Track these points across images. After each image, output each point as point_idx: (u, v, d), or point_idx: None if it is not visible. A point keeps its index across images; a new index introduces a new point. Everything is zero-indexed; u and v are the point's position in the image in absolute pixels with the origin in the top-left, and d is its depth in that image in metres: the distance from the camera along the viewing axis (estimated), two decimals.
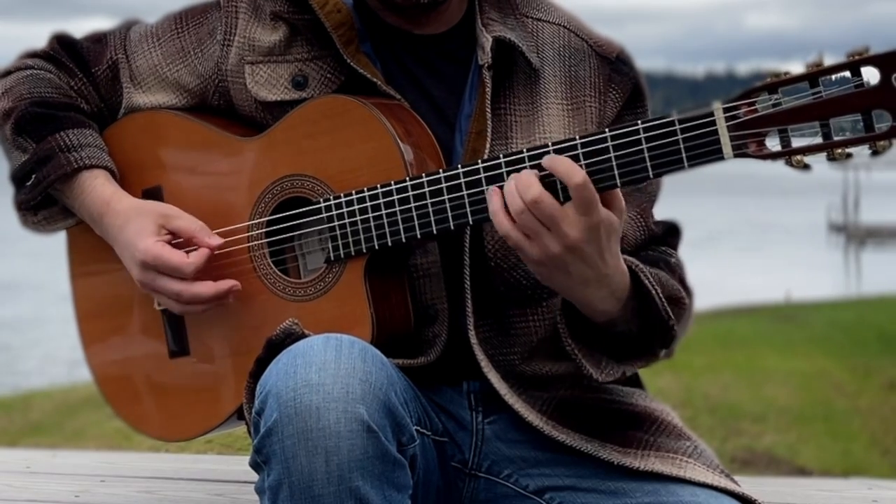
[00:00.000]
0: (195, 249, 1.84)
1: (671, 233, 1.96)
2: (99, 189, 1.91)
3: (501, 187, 1.69)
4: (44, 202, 1.95)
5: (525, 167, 1.69)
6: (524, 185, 1.65)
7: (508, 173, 1.71)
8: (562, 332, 1.80)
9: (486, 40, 1.86)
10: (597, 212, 1.64)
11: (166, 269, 1.82)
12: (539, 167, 1.68)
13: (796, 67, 1.61)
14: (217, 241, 1.85)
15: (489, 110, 1.85)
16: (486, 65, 1.85)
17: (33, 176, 1.92)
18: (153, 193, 1.96)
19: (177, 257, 1.82)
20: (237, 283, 1.84)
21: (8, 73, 2.01)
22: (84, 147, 1.92)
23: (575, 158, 1.67)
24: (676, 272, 1.88)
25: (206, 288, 1.82)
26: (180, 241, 1.86)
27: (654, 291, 1.77)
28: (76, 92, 1.99)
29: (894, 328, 15.85)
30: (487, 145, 1.83)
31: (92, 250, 2.02)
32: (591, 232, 1.65)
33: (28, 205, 1.94)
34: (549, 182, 1.67)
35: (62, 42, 2.03)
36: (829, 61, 1.59)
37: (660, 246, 1.93)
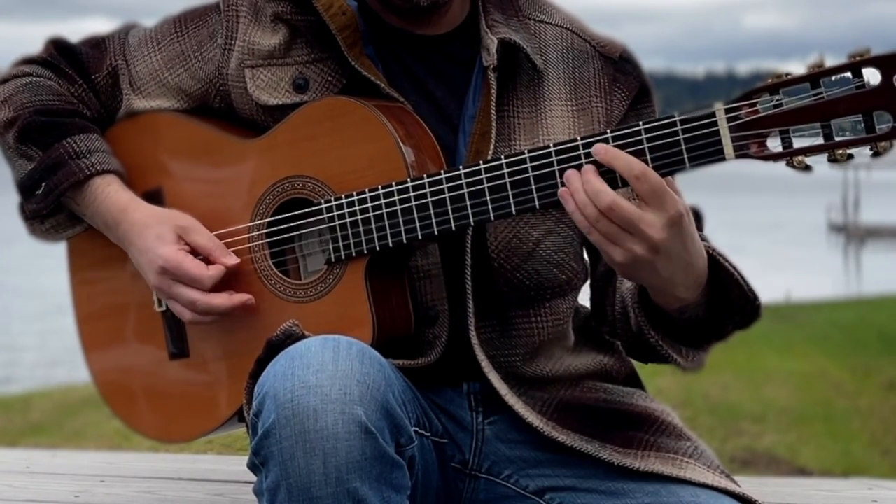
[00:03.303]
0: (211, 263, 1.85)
1: (696, 217, 1.96)
2: (114, 196, 1.91)
3: (509, 198, 1.67)
4: (52, 210, 1.95)
5: (526, 167, 1.69)
6: (594, 192, 1.62)
7: (510, 174, 1.71)
8: (643, 324, 1.80)
9: (492, 42, 1.86)
10: (672, 202, 1.61)
11: (185, 279, 1.83)
12: (536, 169, 1.68)
13: (795, 67, 1.62)
14: (233, 259, 1.85)
15: (494, 112, 1.85)
16: (492, 66, 1.85)
17: (43, 184, 1.92)
18: (154, 195, 1.95)
19: (197, 268, 1.83)
20: (251, 297, 1.84)
21: (5, 80, 2.00)
22: (93, 153, 1.92)
23: (577, 159, 1.67)
24: None
25: (222, 300, 1.83)
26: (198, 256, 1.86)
27: (736, 273, 1.76)
28: (77, 98, 1.98)
29: (894, 328, 15.85)
30: (491, 146, 1.83)
31: (92, 253, 2.02)
32: (674, 227, 1.62)
33: (39, 213, 1.94)
34: (609, 175, 1.64)
35: (59, 47, 2.02)
36: (828, 61, 1.59)
37: None
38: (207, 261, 1.85)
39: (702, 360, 1.87)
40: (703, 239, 1.85)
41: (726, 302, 1.79)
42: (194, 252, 1.86)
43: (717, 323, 1.81)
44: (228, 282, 1.86)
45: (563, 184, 1.67)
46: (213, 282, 1.83)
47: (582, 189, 1.63)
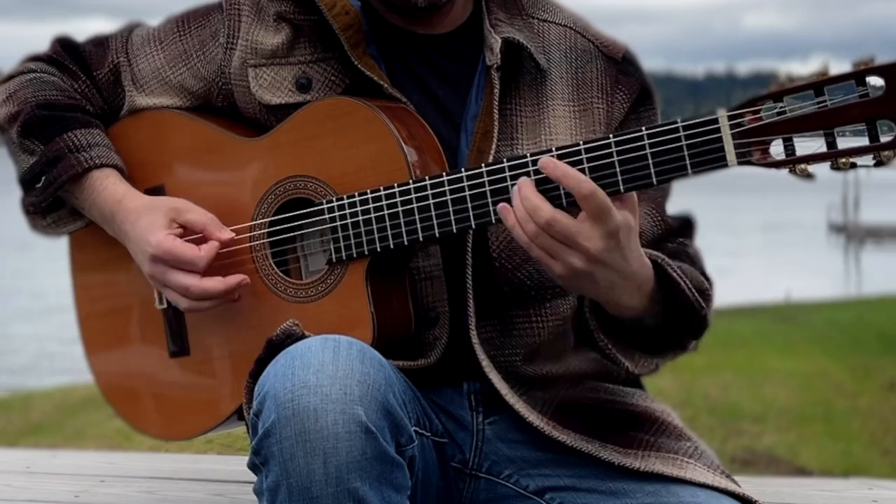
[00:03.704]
0: (205, 243, 1.84)
1: (686, 226, 1.97)
2: (111, 188, 1.91)
3: (510, 201, 1.68)
4: (53, 205, 1.95)
5: (528, 171, 1.69)
6: (533, 209, 1.64)
7: (512, 177, 1.71)
8: (593, 328, 1.80)
9: (495, 41, 1.86)
10: (612, 218, 1.63)
11: (178, 263, 1.82)
12: (538, 173, 1.68)
13: (795, 67, 1.62)
14: (228, 234, 1.85)
15: (497, 111, 1.85)
16: (495, 66, 1.85)
17: (43, 178, 1.92)
18: (156, 192, 1.96)
19: (189, 250, 1.82)
20: (246, 277, 1.84)
21: (11, 77, 2.01)
22: (93, 147, 1.92)
23: (579, 163, 1.67)
24: (697, 263, 1.89)
25: (216, 283, 1.82)
26: (193, 236, 1.85)
27: (682, 282, 1.77)
28: (80, 94, 1.99)
29: (894, 328, 15.85)
30: (493, 146, 1.83)
31: (93, 252, 2.02)
32: (611, 240, 1.64)
33: (39, 207, 1.94)
34: (552, 190, 1.66)
35: (64, 45, 2.03)
36: (829, 62, 1.59)
37: (676, 238, 1.94)
38: (204, 242, 1.84)
39: (656, 365, 1.86)
40: (687, 245, 1.89)
41: (677, 309, 1.79)
42: (190, 234, 1.85)
43: (672, 330, 1.82)
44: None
45: (562, 187, 1.67)
46: (207, 261, 1.81)
47: (521, 206, 1.65)
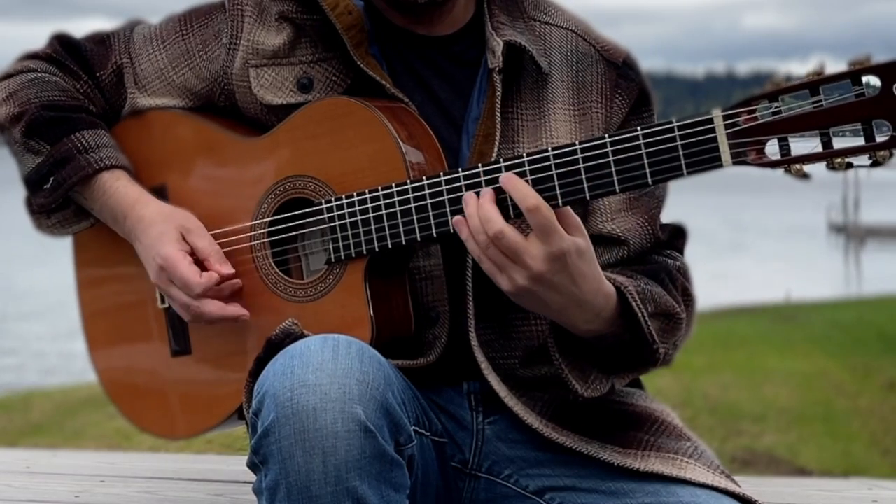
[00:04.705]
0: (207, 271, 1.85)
1: (677, 235, 1.96)
2: (122, 190, 1.92)
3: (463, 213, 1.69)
4: (59, 205, 1.95)
5: (523, 169, 1.69)
6: (486, 219, 1.66)
7: None
8: (549, 345, 1.79)
9: (497, 44, 1.86)
10: (558, 239, 1.64)
11: (178, 281, 1.83)
12: (533, 172, 1.68)
13: (795, 68, 1.62)
14: (228, 270, 1.85)
15: (499, 114, 1.85)
16: (497, 69, 1.85)
17: (51, 179, 1.92)
18: (158, 192, 1.96)
19: (189, 274, 1.83)
20: (246, 312, 1.84)
21: (9, 76, 2.00)
22: (101, 148, 1.92)
23: (574, 163, 1.67)
24: (678, 279, 1.88)
25: (213, 308, 1.83)
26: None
27: (640, 314, 1.76)
28: (83, 94, 1.99)
29: (894, 328, 15.83)
30: (495, 149, 1.83)
31: (97, 251, 2.03)
32: (556, 262, 1.64)
33: (48, 207, 1.94)
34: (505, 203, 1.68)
35: (64, 43, 2.02)
36: (827, 62, 1.59)
37: (665, 250, 1.93)
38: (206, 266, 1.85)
39: (604, 388, 1.83)
40: (675, 257, 1.89)
41: (639, 337, 1.78)
42: (195, 254, 1.86)
43: (636, 352, 1.81)
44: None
45: (559, 186, 1.67)
46: (203, 289, 1.83)
47: (476, 214, 1.66)
